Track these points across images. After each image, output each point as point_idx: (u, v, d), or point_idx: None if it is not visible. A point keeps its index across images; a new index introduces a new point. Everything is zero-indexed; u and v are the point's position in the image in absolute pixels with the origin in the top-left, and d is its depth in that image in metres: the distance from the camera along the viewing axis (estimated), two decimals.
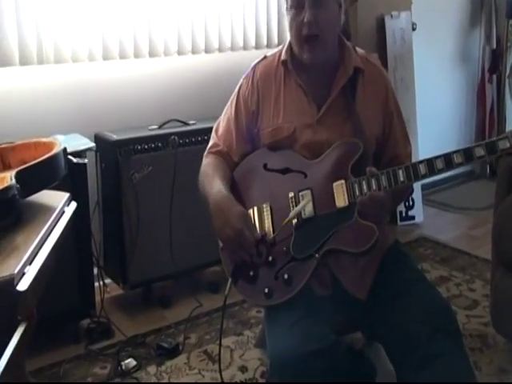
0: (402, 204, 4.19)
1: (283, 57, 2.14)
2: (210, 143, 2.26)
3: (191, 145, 3.16)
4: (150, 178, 3.07)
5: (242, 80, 2.23)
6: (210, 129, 2.30)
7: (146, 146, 3.06)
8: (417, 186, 4.25)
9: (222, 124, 2.25)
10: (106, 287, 3.11)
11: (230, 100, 2.25)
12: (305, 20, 1.98)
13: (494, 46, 5.07)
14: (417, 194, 4.28)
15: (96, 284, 2.98)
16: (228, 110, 2.24)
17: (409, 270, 2.06)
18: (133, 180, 3.02)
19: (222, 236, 1.99)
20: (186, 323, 2.97)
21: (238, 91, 2.22)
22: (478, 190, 5.00)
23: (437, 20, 4.77)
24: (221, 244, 2.10)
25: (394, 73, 4.16)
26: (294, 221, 1.96)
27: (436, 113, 4.87)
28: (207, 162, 2.20)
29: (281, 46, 2.19)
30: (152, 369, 2.64)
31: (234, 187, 2.14)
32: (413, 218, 4.29)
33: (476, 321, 2.94)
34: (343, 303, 1.99)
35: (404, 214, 4.27)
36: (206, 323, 3.01)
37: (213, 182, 2.08)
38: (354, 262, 1.96)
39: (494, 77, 5.12)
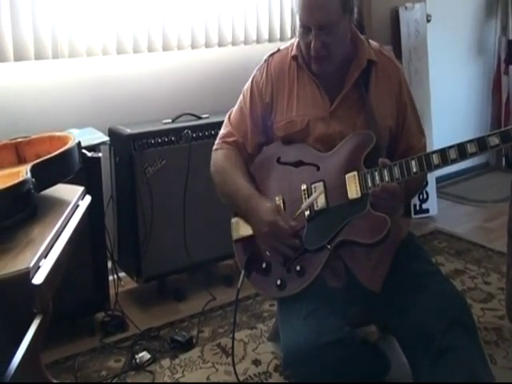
0: (416, 197, 4.18)
1: (294, 52, 2.15)
2: (224, 131, 2.26)
3: (204, 138, 3.17)
4: (164, 171, 3.08)
5: (255, 71, 2.24)
6: (223, 122, 2.31)
7: (160, 140, 3.07)
8: (431, 179, 4.24)
9: (235, 114, 2.25)
10: (120, 281, 3.12)
11: (244, 90, 2.25)
12: (311, 46, 1.99)
13: (511, 36, 5.04)
14: (431, 187, 4.27)
15: (110, 277, 2.99)
16: (242, 101, 2.25)
17: (423, 263, 2.07)
18: (146, 174, 3.03)
19: (260, 235, 2.01)
20: (200, 317, 2.98)
21: (252, 81, 2.23)
22: (493, 181, 4.97)
23: (452, 11, 4.74)
24: (234, 237, 2.12)
25: (408, 65, 4.14)
26: (307, 212, 1.97)
27: (451, 105, 4.85)
28: (223, 154, 2.20)
29: (294, 39, 2.19)
30: (166, 362, 2.65)
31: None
32: (427, 210, 4.27)
33: (491, 314, 2.93)
34: (357, 295, 2.00)
35: (418, 207, 4.25)
36: (219, 317, 3.02)
37: (238, 181, 2.10)
38: (367, 253, 1.97)
39: (511, 68, 5.08)
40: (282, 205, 2.05)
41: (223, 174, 2.14)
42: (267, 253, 2.01)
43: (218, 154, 2.21)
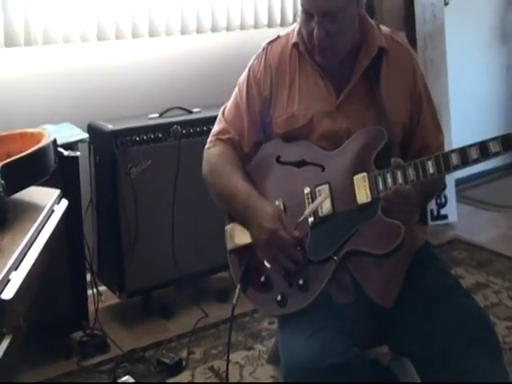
0: (433, 201, 4.19)
1: (294, 39, 2.14)
2: (218, 128, 2.26)
3: (196, 135, 3.17)
4: (150, 172, 3.08)
5: (252, 60, 2.23)
6: (216, 117, 2.30)
7: (146, 137, 3.07)
8: (450, 181, 4.24)
9: (230, 109, 2.25)
10: (101, 295, 3.12)
11: (239, 82, 2.25)
12: (314, 34, 1.99)
13: None
14: (450, 190, 4.28)
15: (89, 292, 3.00)
16: (237, 94, 2.24)
17: (441, 275, 2.06)
18: (130, 175, 3.03)
19: (259, 243, 2.00)
20: (190, 336, 2.98)
21: (249, 72, 2.22)
22: None
23: None
24: (229, 247, 2.12)
25: (423, 53, 4.15)
26: (310, 219, 1.97)
27: (471, 99, 4.86)
28: (217, 151, 2.20)
29: (295, 24, 2.19)
30: None
31: None
32: (445, 217, 4.28)
33: None
34: (366, 312, 2.00)
35: (435, 213, 4.26)
36: (212, 336, 3.02)
37: (235, 181, 2.10)
38: (378, 265, 1.97)
39: None
40: (282, 209, 2.04)
41: (218, 173, 2.15)
42: (266, 264, 2.01)
43: (212, 152, 2.21)
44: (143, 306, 3.26)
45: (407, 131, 2.12)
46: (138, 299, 3.24)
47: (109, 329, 3.04)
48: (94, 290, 3.06)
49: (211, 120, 2.38)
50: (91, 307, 3.00)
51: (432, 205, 4.23)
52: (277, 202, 2.06)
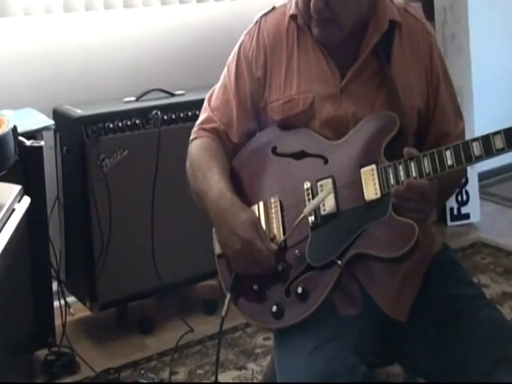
0: (453, 198, 4.19)
1: (292, 10, 2.13)
2: (202, 117, 2.26)
3: (179, 122, 3.18)
4: (126, 165, 3.08)
5: (243, 36, 2.23)
6: (203, 101, 2.30)
7: (121, 124, 3.07)
8: (472, 175, 4.25)
9: (217, 93, 2.24)
10: (69, 308, 3.12)
11: (228, 62, 2.24)
12: (311, 5, 1.99)
13: None
14: (472, 186, 4.28)
15: (56, 304, 3.00)
16: (226, 75, 2.24)
17: (461, 284, 2.07)
18: (103, 168, 3.03)
19: (229, 251, 2.00)
20: (173, 354, 2.99)
21: (239, 51, 2.22)
22: None
23: None
24: (217, 251, 2.12)
25: (442, 28, 4.16)
26: (311, 218, 1.97)
27: (498, 81, 4.85)
28: (199, 144, 2.20)
29: None
30: None
31: (233, 177, 2.15)
32: (467, 216, 4.29)
33: None
34: (376, 326, 2.01)
35: (456, 212, 4.27)
36: (198, 354, 3.02)
37: (210, 178, 2.09)
38: (389, 271, 1.98)
39: None
40: (278, 208, 2.05)
41: (195, 168, 2.15)
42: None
43: (194, 145, 2.21)
44: (118, 319, 3.26)
45: (423, 117, 2.12)
46: (112, 312, 3.24)
47: (78, 346, 3.04)
48: (62, 302, 3.06)
49: (197, 104, 2.39)
50: (58, 321, 3.00)
51: (451, 202, 4.23)
52: (272, 199, 2.06)
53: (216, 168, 2.11)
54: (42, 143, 2.75)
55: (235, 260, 2.00)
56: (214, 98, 2.25)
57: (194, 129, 2.25)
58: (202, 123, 2.24)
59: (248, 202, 2.08)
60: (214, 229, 2.14)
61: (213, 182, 2.07)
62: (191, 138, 2.25)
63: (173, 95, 3.29)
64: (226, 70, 2.25)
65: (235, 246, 1.96)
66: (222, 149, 2.19)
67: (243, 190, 2.13)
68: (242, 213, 2.00)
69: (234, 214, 1.99)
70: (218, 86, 2.26)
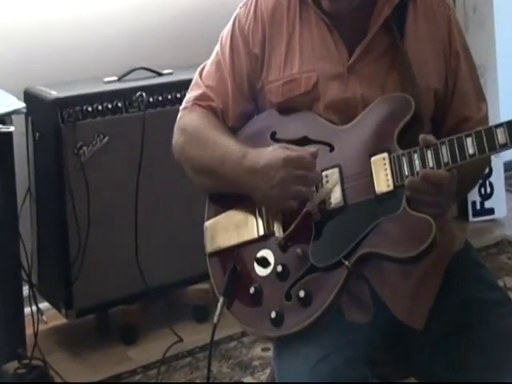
0: (476, 191, 4.19)
1: None
2: (195, 93, 2.24)
3: (166, 105, 3.18)
4: (107, 153, 3.09)
5: (238, 9, 2.23)
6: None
7: (101, 107, 3.07)
8: (497, 166, 4.25)
9: (210, 70, 2.24)
10: (42, 315, 3.12)
11: (222, 37, 2.24)
12: None
13: None
14: (497, 177, 4.28)
15: (27, 310, 3.00)
16: (219, 51, 2.23)
17: (485, 287, 2.08)
18: (81, 156, 3.03)
19: (276, 191, 1.96)
20: (159, 367, 2.99)
21: (234, 25, 2.21)
22: None
23: None
24: (209, 249, 2.13)
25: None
26: (315, 213, 1.99)
27: None
28: (196, 118, 2.18)
29: None
30: None
31: None
32: (491, 211, 4.29)
33: None
34: (388, 334, 2.03)
35: (478, 206, 4.27)
36: (187, 366, 3.03)
37: (224, 143, 2.09)
38: (403, 273, 1.99)
39: None
40: None
41: (199, 141, 2.13)
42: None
43: (188, 120, 2.19)
44: (98, 327, 3.27)
45: (440, 100, 2.12)
46: (90, 319, 3.25)
47: (52, 358, 3.04)
48: (34, 308, 3.06)
49: (186, 84, 2.37)
50: (29, 330, 2.99)
51: (474, 195, 4.23)
52: None
53: (227, 135, 2.13)
54: (12, 129, 2.74)
55: (286, 191, 1.95)
56: (206, 74, 2.23)
57: (185, 104, 2.23)
58: (196, 99, 2.22)
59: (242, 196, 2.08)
60: (205, 224, 2.15)
61: (229, 146, 2.07)
62: (181, 114, 2.23)
63: (159, 74, 3.30)
64: (218, 45, 2.24)
65: (278, 176, 1.94)
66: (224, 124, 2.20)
67: None
68: (267, 149, 2.00)
69: (262, 154, 1.99)
70: (209, 61, 2.25)
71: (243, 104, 2.20)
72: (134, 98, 3.13)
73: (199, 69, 2.27)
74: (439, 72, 2.12)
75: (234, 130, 2.21)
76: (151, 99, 3.15)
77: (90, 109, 3.05)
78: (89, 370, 3.02)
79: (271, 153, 1.97)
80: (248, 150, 2.03)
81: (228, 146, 2.07)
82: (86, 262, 3.07)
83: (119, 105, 3.11)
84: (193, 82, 2.26)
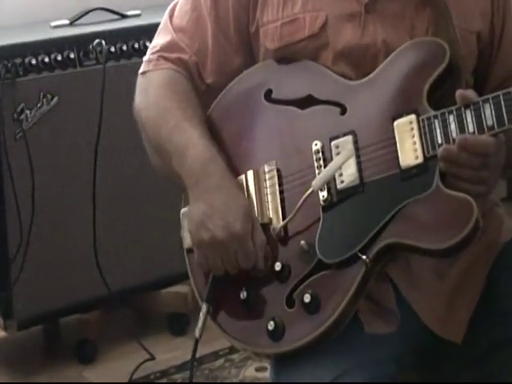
0: None
1: None
2: (161, 40, 2.23)
3: (132, 56, 3.19)
4: (56, 118, 3.09)
5: None
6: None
7: (47, 59, 3.07)
8: None
9: (182, 9, 2.23)
10: None
11: None
12: None
13: None
14: None
15: None
16: None
17: None
18: (22, 122, 3.03)
19: (203, 236, 1.98)
20: None
21: None
22: None
23: None
24: (188, 243, 2.12)
25: None
26: (323, 194, 1.98)
27: None
28: (163, 79, 2.19)
29: None
30: None
31: None
32: None
33: None
34: (418, 348, 2.03)
35: None
36: None
37: (189, 129, 2.08)
38: (438, 271, 2.00)
39: None
40: (275, 179, 2.05)
41: (160, 111, 2.14)
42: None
43: (151, 80, 2.20)
44: (46, 343, 3.27)
45: (484, 47, 2.12)
46: (37, 332, 3.26)
47: None
48: None
49: (155, 29, 2.37)
50: None
51: None
52: (266, 168, 2.06)
53: (195, 119, 2.12)
54: None
55: (208, 252, 1.99)
56: (178, 13, 2.23)
57: (150, 56, 2.23)
58: (162, 49, 2.21)
59: (230, 171, 2.07)
60: (182, 211, 2.14)
61: (194, 136, 2.07)
62: (144, 68, 2.23)
63: (123, 17, 3.30)
64: None
65: (216, 233, 1.95)
66: (195, 92, 2.19)
67: (223, 155, 2.11)
68: (239, 194, 2.02)
69: (227, 189, 2.01)
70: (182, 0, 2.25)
71: (227, 54, 2.20)
72: (90, 47, 3.12)
73: (170, 7, 2.25)
74: (483, 11, 2.11)
75: (214, 90, 2.21)
76: (112, 49, 3.15)
77: (33, 61, 3.04)
78: None
79: (239, 206, 1.99)
80: (214, 157, 2.05)
81: (193, 136, 2.07)
82: (29, 260, 3.07)
83: (71, 56, 3.10)
84: (161, 25, 2.25)
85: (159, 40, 2.23)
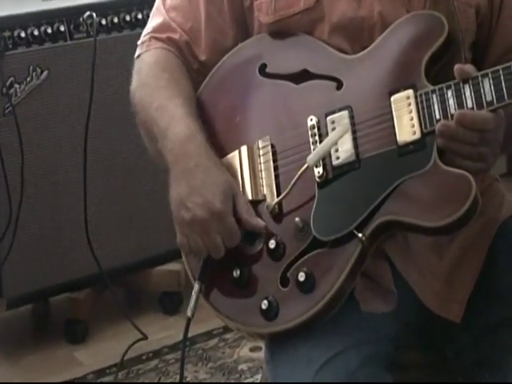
0: None
1: None
2: (153, 22, 2.25)
3: (124, 29, 3.18)
4: (45, 92, 3.09)
5: None
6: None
7: (37, 32, 3.06)
8: None
9: None
10: None
11: None
12: None
13: None
14: None
15: None
16: None
17: None
18: (11, 97, 3.03)
19: (183, 215, 1.99)
20: (117, 372, 3.01)
21: None
22: None
23: None
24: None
25: None
26: (318, 170, 1.97)
27: None
28: (154, 58, 2.20)
29: None
30: None
31: (201, 111, 2.16)
32: None
33: None
34: (416, 329, 2.04)
35: None
36: (153, 371, 3.05)
37: (173, 109, 2.09)
38: (436, 248, 2.00)
39: None
40: (270, 155, 2.05)
41: (148, 91, 2.15)
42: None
43: (144, 60, 2.22)
44: (36, 322, 3.28)
45: (484, 20, 2.11)
46: (26, 311, 3.26)
47: None
48: None
49: (150, 2, 2.37)
50: None
51: None
52: (260, 143, 2.07)
53: (181, 97, 2.12)
54: None
55: (188, 232, 2.00)
56: None
57: (142, 38, 2.25)
58: (153, 31, 2.23)
59: (223, 147, 2.09)
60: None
61: (176, 115, 2.07)
62: (139, 51, 2.24)
63: None
64: None
65: (196, 212, 1.96)
66: (185, 69, 2.19)
67: (216, 131, 2.13)
68: (218, 171, 2.01)
69: (205, 167, 2.01)
70: None
71: (221, 30, 2.20)
72: (80, 19, 3.11)
73: None
74: None
75: (207, 67, 2.22)
76: (104, 21, 3.14)
77: (22, 34, 3.04)
78: (24, 376, 3.03)
79: (221, 183, 1.99)
80: (194, 135, 2.05)
81: (175, 115, 2.08)
82: (18, 237, 3.08)
83: (61, 29, 3.10)
84: (154, 9, 2.26)
85: (152, 23, 2.24)
